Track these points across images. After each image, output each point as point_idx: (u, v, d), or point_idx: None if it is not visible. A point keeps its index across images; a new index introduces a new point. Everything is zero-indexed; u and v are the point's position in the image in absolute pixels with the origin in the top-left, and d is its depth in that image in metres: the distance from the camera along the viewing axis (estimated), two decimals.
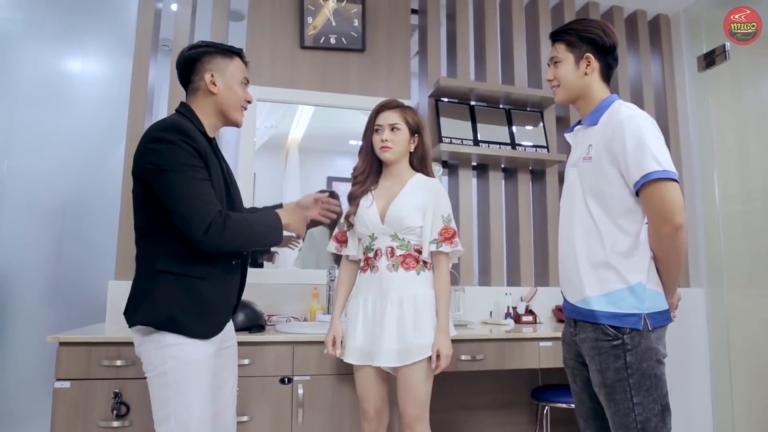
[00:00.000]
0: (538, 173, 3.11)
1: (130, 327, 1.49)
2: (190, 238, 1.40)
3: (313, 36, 2.82)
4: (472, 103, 3.02)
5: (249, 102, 1.66)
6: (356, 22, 2.87)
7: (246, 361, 1.97)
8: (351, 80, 2.86)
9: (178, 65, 1.60)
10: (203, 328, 1.46)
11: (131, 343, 1.87)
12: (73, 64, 2.91)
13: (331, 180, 2.84)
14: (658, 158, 1.38)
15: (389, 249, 1.83)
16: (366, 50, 2.89)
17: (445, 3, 3.17)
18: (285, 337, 2.04)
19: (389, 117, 1.88)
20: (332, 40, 2.84)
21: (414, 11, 3.12)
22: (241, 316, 2.14)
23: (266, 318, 2.35)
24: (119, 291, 2.43)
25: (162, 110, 2.86)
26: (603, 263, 1.46)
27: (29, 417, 2.58)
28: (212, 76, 1.56)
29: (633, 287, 1.43)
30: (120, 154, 2.57)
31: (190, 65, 1.57)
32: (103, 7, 2.96)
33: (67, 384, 1.84)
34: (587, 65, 1.56)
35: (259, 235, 1.53)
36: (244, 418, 1.95)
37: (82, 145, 2.81)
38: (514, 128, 3.01)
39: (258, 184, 2.70)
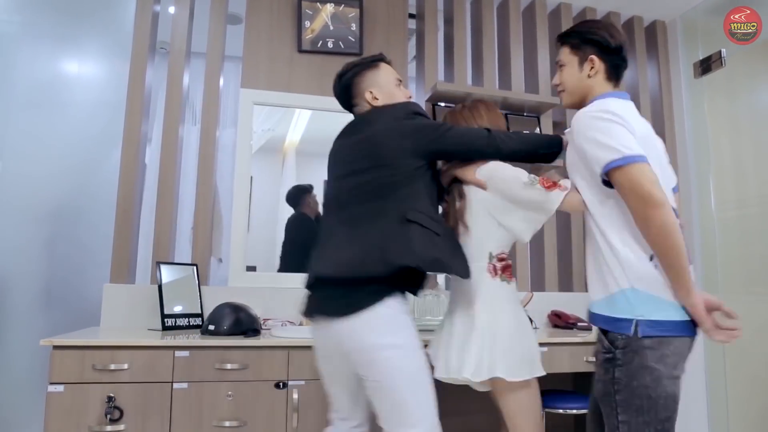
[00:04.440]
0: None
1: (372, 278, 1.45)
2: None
3: (310, 40, 2.82)
4: None
5: (410, 98, 1.73)
6: (354, 26, 2.87)
7: (240, 366, 1.96)
8: None
9: (338, 95, 1.73)
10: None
11: (125, 347, 1.88)
12: (70, 66, 2.91)
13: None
14: (611, 145, 1.32)
15: None
16: (363, 54, 2.89)
17: (443, 8, 3.18)
18: (280, 341, 2.03)
19: None
20: (330, 44, 2.84)
21: (411, 16, 3.12)
22: (236, 320, 2.13)
23: (261, 322, 2.34)
24: (114, 294, 2.42)
25: (159, 113, 2.85)
26: (604, 265, 1.40)
27: (22, 421, 2.56)
28: (371, 92, 1.67)
29: (625, 290, 1.35)
30: (116, 157, 2.56)
31: (348, 91, 1.70)
32: (100, 10, 2.95)
33: (60, 388, 1.83)
34: (591, 67, 1.53)
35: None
36: (238, 423, 1.94)
37: (78, 148, 2.80)
38: None
39: (255, 188, 2.70)
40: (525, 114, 3.10)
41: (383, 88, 1.67)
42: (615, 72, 1.55)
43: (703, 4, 3.23)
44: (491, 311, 1.61)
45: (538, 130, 3.06)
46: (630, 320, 1.33)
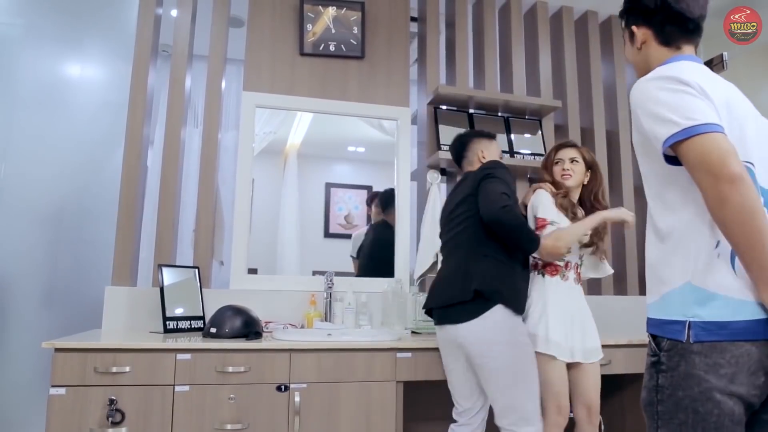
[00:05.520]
0: (536, 181, 3.11)
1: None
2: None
3: (312, 43, 2.82)
4: (471, 110, 3.02)
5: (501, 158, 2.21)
6: (356, 30, 2.88)
7: (242, 369, 1.96)
8: (350, 87, 2.86)
9: (454, 147, 2.23)
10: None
11: (127, 350, 1.88)
12: (73, 68, 2.91)
13: (329, 186, 2.84)
14: (667, 117, 1.09)
15: (576, 265, 2.13)
16: (365, 57, 2.90)
17: (445, 11, 3.18)
18: (282, 344, 2.03)
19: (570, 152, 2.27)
20: (332, 47, 2.84)
21: (413, 19, 3.13)
22: (237, 323, 2.13)
23: (263, 325, 2.34)
24: (116, 297, 2.42)
25: (161, 116, 2.86)
26: (661, 258, 1.17)
27: (24, 423, 2.56)
28: (482, 152, 2.14)
29: (681, 287, 1.12)
30: (118, 159, 2.56)
31: (464, 147, 2.19)
32: (103, 12, 2.96)
33: (62, 390, 1.83)
34: (636, 39, 1.33)
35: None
36: (240, 426, 1.94)
37: (81, 150, 2.81)
38: (512, 136, 3.01)
39: (256, 190, 2.70)
40: (527, 117, 3.10)
41: (493, 155, 2.15)
42: (679, 32, 1.29)
43: None
44: (531, 295, 2.08)
45: (540, 133, 3.06)
46: (682, 322, 1.09)
